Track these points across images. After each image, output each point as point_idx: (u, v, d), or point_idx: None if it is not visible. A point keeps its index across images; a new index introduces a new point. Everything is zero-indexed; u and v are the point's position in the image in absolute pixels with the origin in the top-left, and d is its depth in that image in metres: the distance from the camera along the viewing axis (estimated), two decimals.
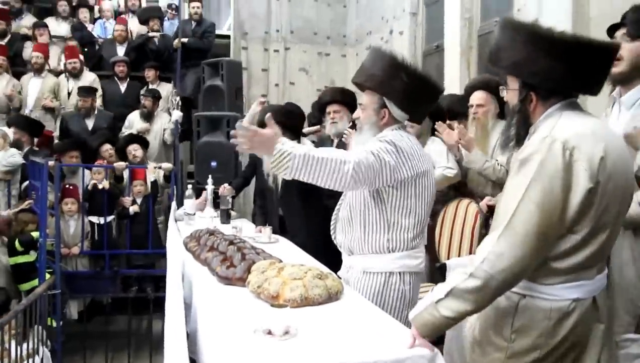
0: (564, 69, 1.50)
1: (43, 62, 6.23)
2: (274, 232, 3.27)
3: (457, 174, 3.21)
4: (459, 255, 3.03)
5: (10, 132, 5.33)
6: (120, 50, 6.75)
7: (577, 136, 1.47)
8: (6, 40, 6.55)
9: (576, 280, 1.51)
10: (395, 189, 2.09)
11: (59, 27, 7.04)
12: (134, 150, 5.44)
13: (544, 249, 1.47)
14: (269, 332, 1.56)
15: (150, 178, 5.27)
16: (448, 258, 3.07)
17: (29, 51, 6.39)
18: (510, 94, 1.67)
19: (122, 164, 5.24)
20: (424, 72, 2.26)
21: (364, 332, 1.61)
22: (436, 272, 2.73)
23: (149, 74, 6.46)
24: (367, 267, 2.17)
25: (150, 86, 6.43)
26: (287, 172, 1.86)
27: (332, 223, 2.36)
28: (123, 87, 6.47)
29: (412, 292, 2.19)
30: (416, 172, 2.09)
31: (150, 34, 6.80)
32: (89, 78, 6.36)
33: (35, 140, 5.68)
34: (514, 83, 1.64)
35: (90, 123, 5.92)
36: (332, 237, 2.35)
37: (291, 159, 1.84)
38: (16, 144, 5.28)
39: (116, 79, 6.45)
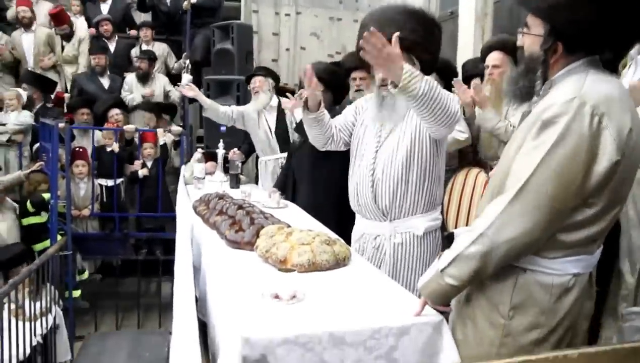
0: (607, 20, 1.33)
1: (31, 15, 6.07)
2: (291, 190, 3.29)
3: (467, 138, 3.11)
4: (467, 224, 3.02)
5: (24, 95, 5.34)
6: (104, 9, 6.64)
7: (606, 102, 1.33)
8: None
9: (578, 254, 1.42)
10: (445, 140, 2.12)
11: None
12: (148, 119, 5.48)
13: (557, 221, 1.36)
14: (277, 296, 1.57)
15: (160, 141, 5.27)
16: (456, 228, 3.07)
17: (13, 11, 6.19)
18: (530, 40, 1.46)
19: (131, 126, 5.24)
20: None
21: (370, 298, 1.62)
22: (444, 240, 2.74)
23: (146, 33, 6.36)
24: (428, 226, 2.17)
25: (144, 47, 6.34)
26: (413, 93, 1.77)
27: (368, 187, 2.19)
28: (112, 46, 6.35)
29: None
30: None
31: None
32: (81, 33, 6.26)
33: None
34: (539, 28, 1.43)
35: (105, 82, 5.91)
36: (372, 203, 2.19)
37: (419, 81, 1.75)
38: (28, 100, 5.28)
39: (104, 39, 6.34)
